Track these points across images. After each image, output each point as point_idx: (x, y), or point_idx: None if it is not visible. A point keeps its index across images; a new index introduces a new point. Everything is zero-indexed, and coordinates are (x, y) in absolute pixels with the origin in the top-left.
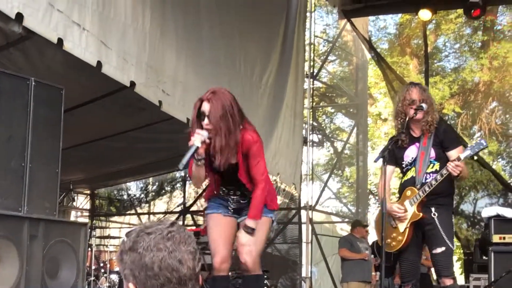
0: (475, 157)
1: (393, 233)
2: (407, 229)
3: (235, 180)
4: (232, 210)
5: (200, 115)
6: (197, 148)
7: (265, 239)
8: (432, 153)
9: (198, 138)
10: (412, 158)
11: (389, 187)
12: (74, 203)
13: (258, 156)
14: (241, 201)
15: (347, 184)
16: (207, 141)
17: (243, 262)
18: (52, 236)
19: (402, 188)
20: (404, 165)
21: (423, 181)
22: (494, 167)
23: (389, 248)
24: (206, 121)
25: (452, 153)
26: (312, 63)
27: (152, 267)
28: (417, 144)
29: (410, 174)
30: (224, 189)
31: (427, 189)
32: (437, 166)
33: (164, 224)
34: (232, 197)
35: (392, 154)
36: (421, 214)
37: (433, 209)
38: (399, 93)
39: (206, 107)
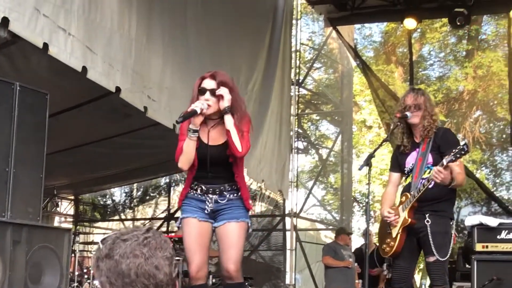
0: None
1: (387, 239)
2: (399, 235)
3: (221, 172)
4: (209, 212)
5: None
6: (196, 112)
7: (244, 245)
8: (430, 159)
9: (198, 105)
10: (413, 164)
11: (394, 194)
12: (58, 209)
13: (245, 130)
14: (220, 201)
15: (331, 191)
16: (205, 111)
17: (226, 269)
18: (36, 241)
19: (401, 194)
20: (406, 171)
21: (418, 186)
22: (477, 175)
23: (384, 253)
24: (207, 95)
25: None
26: (297, 70)
27: (129, 274)
28: (418, 149)
29: (408, 180)
30: (203, 187)
31: (416, 194)
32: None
33: (140, 230)
34: (211, 196)
35: (396, 161)
36: (409, 220)
37: (427, 216)
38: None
39: (209, 83)
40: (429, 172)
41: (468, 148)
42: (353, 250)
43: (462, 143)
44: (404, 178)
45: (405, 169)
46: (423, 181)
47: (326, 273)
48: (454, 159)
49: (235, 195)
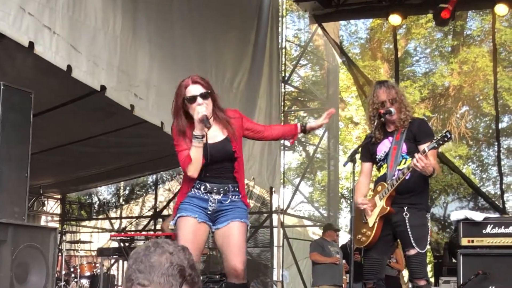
0: (444, 159)
1: (363, 229)
2: (376, 224)
3: (223, 170)
4: (209, 213)
5: (185, 102)
6: (206, 116)
7: None
8: (404, 148)
9: (203, 108)
10: (385, 152)
11: (367, 184)
12: (44, 208)
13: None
14: (223, 202)
15: (318, 188)
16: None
17: (235, 269)
18: (21, 241)
19: (375, 184)
20: (377, 160)
21: (394, 176)
22: (464, 171)
23: (359, 244)
24: (199, 100)
25: (423, 147)
26: (283, 68)
27: (127, 272)
28: (390, 138)
29: (383, 171)
30: (208, 185)
31: (395, 182)
32: (409, 161)
33: (169, 243)
34: (214, 196)
35: (367, 151)
36: (388, 208)
37: (405, 209)
38: (369, 95)
39: (196, 88)
40: (405, 162)
41: (451, 135)
42: (339, 246)
43: (444, 130)
44: (376, 167)
45: (377, 156)
46: (403, 169)
47: (313, 270)
48: (436, 146)
49: (237, 197)
